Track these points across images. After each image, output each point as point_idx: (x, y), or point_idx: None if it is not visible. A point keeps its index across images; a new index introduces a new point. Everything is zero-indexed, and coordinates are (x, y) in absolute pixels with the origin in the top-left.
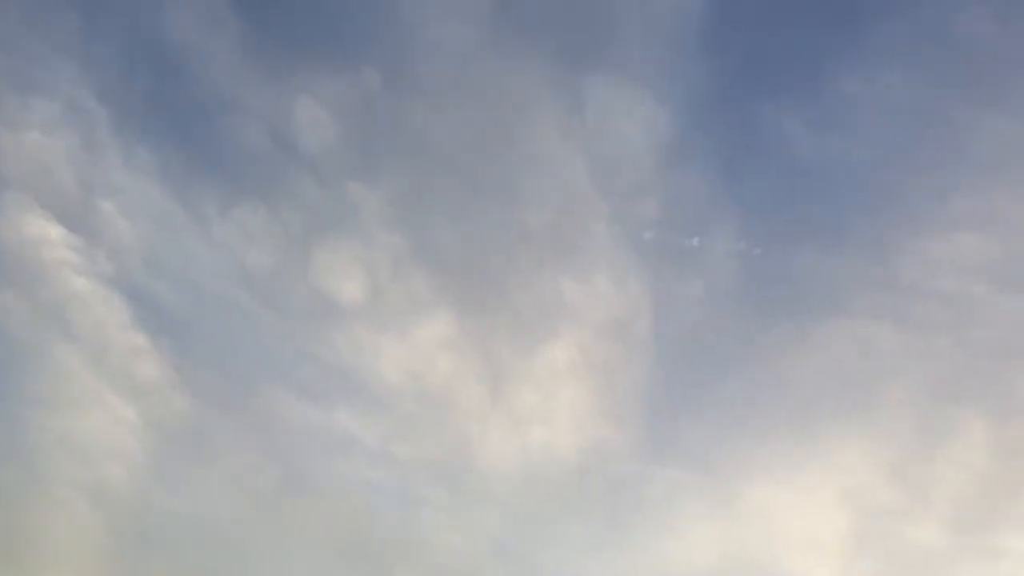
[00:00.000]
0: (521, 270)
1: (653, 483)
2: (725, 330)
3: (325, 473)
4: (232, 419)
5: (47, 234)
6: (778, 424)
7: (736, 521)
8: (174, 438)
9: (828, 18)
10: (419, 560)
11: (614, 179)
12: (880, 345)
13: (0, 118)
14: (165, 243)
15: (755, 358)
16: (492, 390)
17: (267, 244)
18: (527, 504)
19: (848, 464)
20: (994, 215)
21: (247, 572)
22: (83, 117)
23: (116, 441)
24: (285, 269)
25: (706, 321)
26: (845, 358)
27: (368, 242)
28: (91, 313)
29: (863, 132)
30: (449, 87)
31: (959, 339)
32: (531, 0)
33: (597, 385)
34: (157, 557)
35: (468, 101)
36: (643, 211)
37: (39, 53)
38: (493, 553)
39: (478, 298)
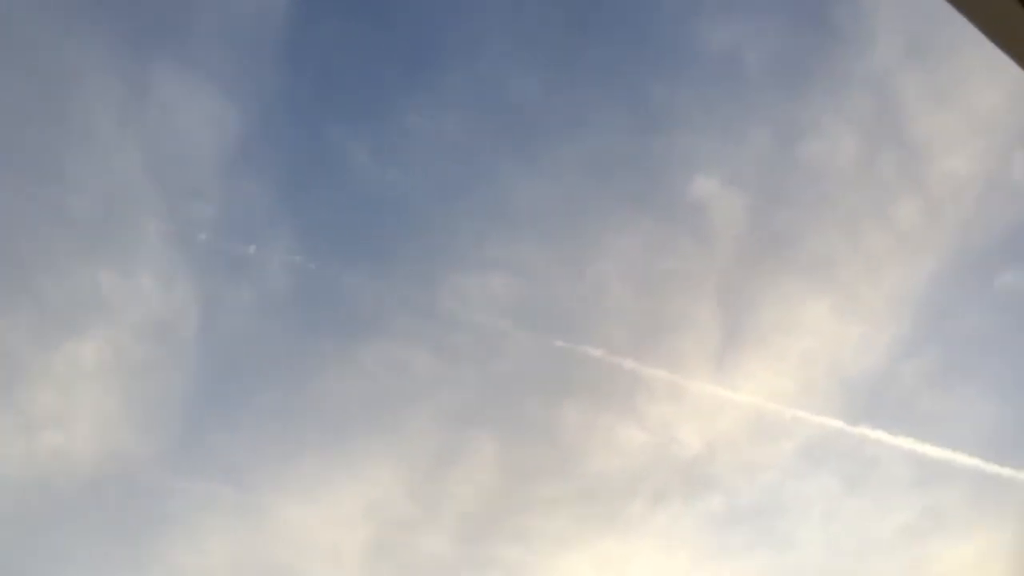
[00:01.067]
0: (54, 257)
1: (180, 495)
2: (272, 342)
3: None
4: None
5: None
6: (313, 439)
7: (264, 534)
8: None
9: (400, 57)
10: None
11: (172, 174)
12: (415, 369)
13: None
14: None
15: (298, 372)
16: (0, 387)
17: None
18: (30, 516)
19: (375, 480)
20: (521, 260)
21: None
22: None
23: None
24: None
25: (254, 331)
26: (382, 379)
27: None
28: None
29: (421, 168)
30: None
31: (483, 368)
32: None
33: (129, 389)
34: None
35: (8, 62)
36: (199, 212)
37: None
38: None
39: None
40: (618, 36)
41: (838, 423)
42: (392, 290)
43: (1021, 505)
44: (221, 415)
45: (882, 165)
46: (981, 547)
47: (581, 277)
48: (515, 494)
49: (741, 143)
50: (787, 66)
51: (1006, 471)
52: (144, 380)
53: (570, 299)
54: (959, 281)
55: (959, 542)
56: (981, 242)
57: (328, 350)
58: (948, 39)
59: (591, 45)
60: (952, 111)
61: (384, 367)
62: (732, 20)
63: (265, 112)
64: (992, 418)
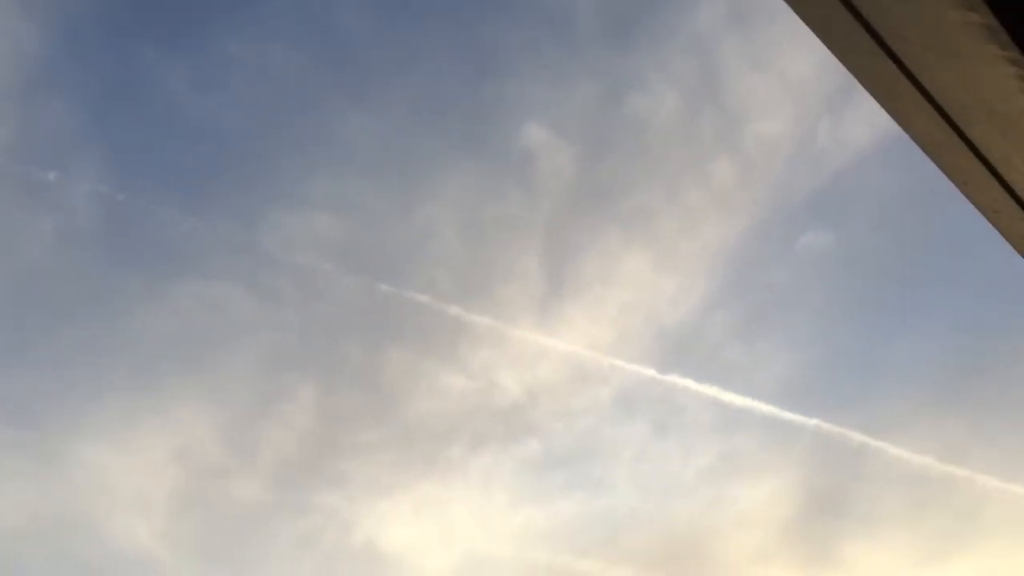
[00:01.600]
0: None
1: None
2: (74, 276)
3: None
4: None
5: None
6: (119, 380)
7: (59, 479)
8: None
9: None
10: None
11: None
12: (231, 309)
13: None
14: None
15: (103, 309)
16: None
17: None
18: None
19: (185, 423)
20: (346, 200)
21: None
22: None
23: None
24: None
25: (54, 263)
26: (195, 318)
27: None
28: None
29: (242, 99)
30: None
31: (303, 310)
32: None
33: None
34: None
35: None
36: None
37: None
38: None
39: None
40: None
41: (651, 371)
42: (208, 225)
43: (808, 448)
44: (14, 352)
45: (701, 124)
46: (772, 487)
47: (408, 220)
48: (334, 439)
49: (570, 95)
50: (616, 22)
51: (797, 417)
52: None
53: (396, 242)
54: (765, 239)
55: (753, 483)
56: (787, 203)
57: (137, 286)
58: (764, 6)
59: None
60: (767, 76)
61: (197, 306)
62: None
63: (70, 30)
64: (787, 368)
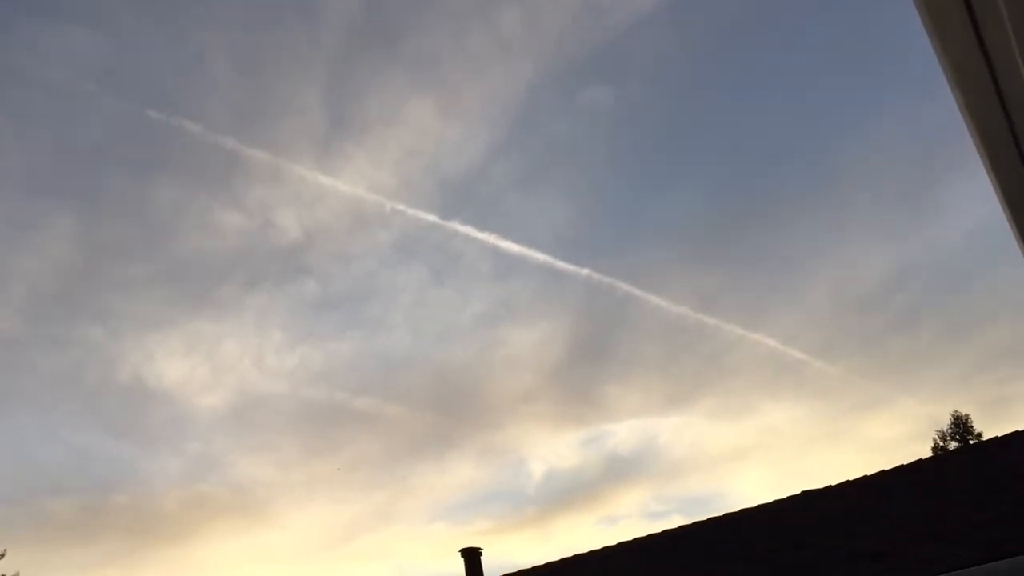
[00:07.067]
0: None
1: None
2: None
3: None
4: None
5: None
6: None
7: None
8: None
9: None
10: None
11: None
12: None
13: None
14: None
15: None
16: None
17: None
18: None
19: None
20: (111, 15)
21: None
22: None
23: None
24: None
25: None
26: None
27: None
28: None
29: None
30: None
31: (60, 134)
32: None
33: None
34: None
35: None
36: None
37: None
38: None
39: None
40: None
41: (432, 217)
42: None
43: (579, 296)
44: None
45: None
46: (543, 333)
47: (178, 43)
48: (97, 272)
49: None
50: None
51: (570, 267)
52: None
53: (167, 66)
54: (548, 92)
55: (526, 328)
56: (571, 57)
57: None
58: None
59: None
60: None
61: None
62: None
63: None
64: (563, 219)
